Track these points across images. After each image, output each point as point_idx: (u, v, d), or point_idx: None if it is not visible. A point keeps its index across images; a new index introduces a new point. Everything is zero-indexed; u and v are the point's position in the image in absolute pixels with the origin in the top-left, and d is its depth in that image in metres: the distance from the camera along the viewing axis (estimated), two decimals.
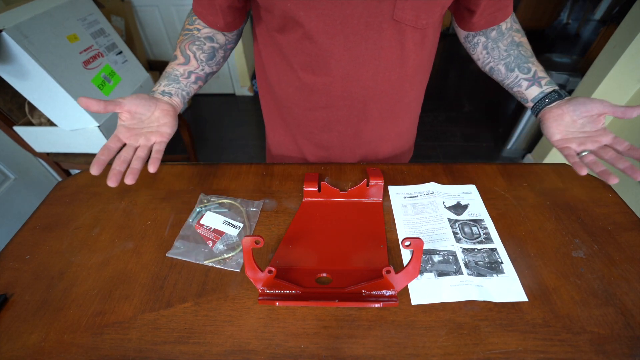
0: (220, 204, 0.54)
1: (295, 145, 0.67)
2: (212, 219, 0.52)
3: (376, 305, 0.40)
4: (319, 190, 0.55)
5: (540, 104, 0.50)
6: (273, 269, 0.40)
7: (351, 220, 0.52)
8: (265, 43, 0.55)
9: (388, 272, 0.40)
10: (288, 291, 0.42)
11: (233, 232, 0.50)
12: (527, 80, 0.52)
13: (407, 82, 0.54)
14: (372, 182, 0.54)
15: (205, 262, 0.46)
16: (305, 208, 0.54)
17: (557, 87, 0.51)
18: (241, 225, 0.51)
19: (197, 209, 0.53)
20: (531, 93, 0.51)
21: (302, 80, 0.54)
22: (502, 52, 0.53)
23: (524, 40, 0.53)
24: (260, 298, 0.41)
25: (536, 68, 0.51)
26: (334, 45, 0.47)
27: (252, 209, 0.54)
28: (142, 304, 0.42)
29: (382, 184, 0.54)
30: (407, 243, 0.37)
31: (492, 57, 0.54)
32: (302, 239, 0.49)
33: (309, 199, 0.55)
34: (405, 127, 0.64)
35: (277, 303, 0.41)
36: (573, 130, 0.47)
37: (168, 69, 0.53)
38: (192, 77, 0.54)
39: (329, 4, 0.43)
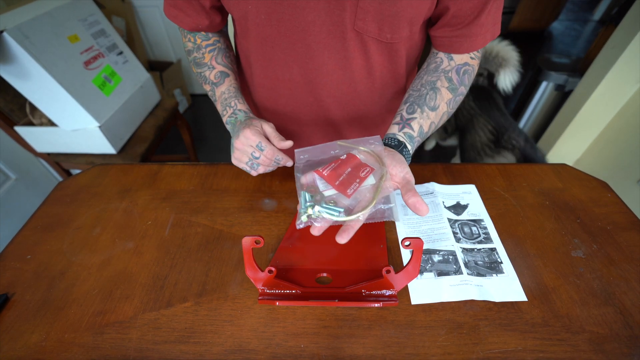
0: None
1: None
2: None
3: (376, 305, 0.40)
4: None
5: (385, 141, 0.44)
6: (273, 269, 0.40)
7: None
8: (238, 47, 0.56)
9: (388, 272, 0.40)
10: (288, 291, 0.42)
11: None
12: (397, 121, 0.46)
13: (376, 94, 0.53)
14: None
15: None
16: None
17: (406, 142, 0.43)
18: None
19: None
20: (391, 128, 0.46)
21: (266, 85, 0.54)
22: (417, 82, 0.48)
23: (444, 91, 0.46)
24: (260, 298, 0.41)
25: (417, 117, 0.45)
26: (296, 52, 0.47)
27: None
28: (143, 303, 0.42)
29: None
30: (407, 243, 0.37)
31: (414, 80, 0.50)
32: (302, 239, 0.49)
33: None
34: (379, 128, 0.62)
35: (277, 303, 0.41)
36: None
37: (231, 85, 0.52)
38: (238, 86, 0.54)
39: (289, 10, 0.42)
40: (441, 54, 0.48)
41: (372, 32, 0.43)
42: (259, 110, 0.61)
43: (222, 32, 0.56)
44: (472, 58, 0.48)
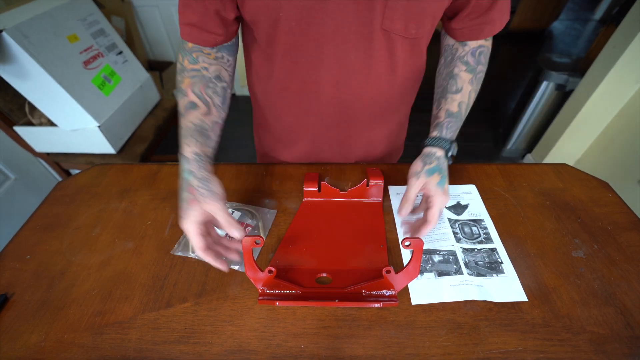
0: (233, 210, 0.53)
1: (285, 153, 0.66)
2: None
3: (376, 305, 0.40)
4: (319, 190, 0.55)
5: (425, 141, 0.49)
6: (273, 269, 0.40)
7: (351, 220, 0.52)
8: (254, 53, 0.53)
9: (388, 272, 0.40)
10: (288, 291, 0.42)
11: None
12: (432, 125, 0.51)
13: (397, 89, 0.54)
14: (372, 182, 0.54)
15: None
16: (305, 208, 0.54)
17: (436, 134, 0.48)
18: (256, 232, 0.50)
19: None
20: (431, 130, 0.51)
21: (291, 89, 0.53)
22: (439, 80, 0.53)
23: (463, 74, 0.50)
24: (260, 298, 0.41)
25: (445, 106, 0.49)
26: (324, 54, 0.47)
27: (267, 216, 0.53)
28: (142, 303, 0.42)
29: (382, 184, 0.54)
30: (407, 243, 0.37)
31: (436, 81, 0.55)
32: (302, 239, 0.49)
33: (309, 199, 0.55)
34: (395, 129, 0.64)
35: (277, 303, 0.41)
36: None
37: (193, 119, 0.45)
38: (217, 129, 0.48)
39: (321, 13, 0.42)
40: (456, 44, 0.51)
41: (399, 30, 0.44)
42: (278, 115, 0.60)
43: (225, 51, 0.50)
44: (486, 40, 0.50)
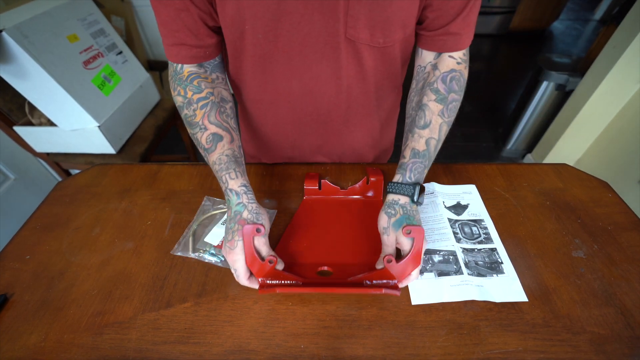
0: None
1: (269, 153, 0.66)
2: (218, 235, 0.50)
3: (377, 292, 0.39)
4: (320, 188, 0.55)
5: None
6: (273, 258, 0.40)
7: (351, 218, 0.52)
8: (230, 68, 0.52)
9: (389, 261, 0.39)
10: (289, 282, 0.42)
11: None
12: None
13: (371, 95, 0.53)
14: (372, 179, 0.54)
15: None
16: (306, 206, 0.54)
17: (398, 179, 0.45)
18: None
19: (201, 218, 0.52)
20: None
21: (264, 100, 0.53)
22: (409, 108, 0.50)
23: (433, 104, 0.45)
24: (260, 288, 0.41)
25: (411, 144, 0.45)
26: (294, 65, 0.46)
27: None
28: (142, 304, 0.42)
29: (382, 181, 0.55)
30: (408, 231, 0.38)
31: (407, 107, 0.51)
32: (303, 235, 0.50)
33: (310, 197, 0.55)
34: (377, 132, 0.63)
35: (277, 290, 0.40)
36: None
37: (225, 151, 0.44)
38: (242, 152, 0.47)
39: (287, 25, 0.42)
40: (427, 66, 0.48)
41: (364, 39, 0.43)
42: (253, 126, 0.60)
43: (218, 71, 0.50)
44: (458, 63, 0.46)
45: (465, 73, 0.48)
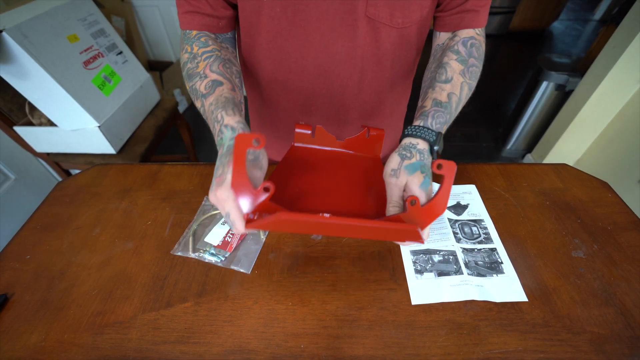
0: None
1: (279, 147, 0.65)
2: (218, 235, 0.50)
3: (397, 242, 0.33)
4: (313, 135, 0.47)
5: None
6: (270, 186, 0.29)
7: (349, 174, 0.44)
8: (243, 46, 0.51)
9: (413, 202, 0.32)
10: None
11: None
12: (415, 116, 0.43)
13: (385, 81, 0.53)
14: (372, 133, 0.47)
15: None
16: (294, 153, 0.45)
17: (419, 123, 0.40)
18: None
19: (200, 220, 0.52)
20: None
21: (279, 79, 0.52)
22: (427, 75, 0.48)
23: (454, 63, 0.44)
24: (247, 223, 0.31)
25: (432, 95, 0.42)
26: (310, 43, 0.46)
27: None
28: (142, 304, 0.42)
29: (383, 136, 0.47)
30: (438, 165, 0.30)
31: (423, 79, 0.48)
32: (293, 183, 0.40)
33: (301, 144, 0.46)
34: (388, 126, 0.63)
35: (278, 215, 0.27)
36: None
37: (224, 93, 0.39)
38: (242, 109, 0.42)
39: (305, 0, 0.42)
40: (444, 37, 0.49)
41: (384, 18, 0.43)
42: (266, 105, 0.59)
43: (228, 43, 0.49)
44: (477, 34, 0.46)
45: (484, 46, 0.47)
